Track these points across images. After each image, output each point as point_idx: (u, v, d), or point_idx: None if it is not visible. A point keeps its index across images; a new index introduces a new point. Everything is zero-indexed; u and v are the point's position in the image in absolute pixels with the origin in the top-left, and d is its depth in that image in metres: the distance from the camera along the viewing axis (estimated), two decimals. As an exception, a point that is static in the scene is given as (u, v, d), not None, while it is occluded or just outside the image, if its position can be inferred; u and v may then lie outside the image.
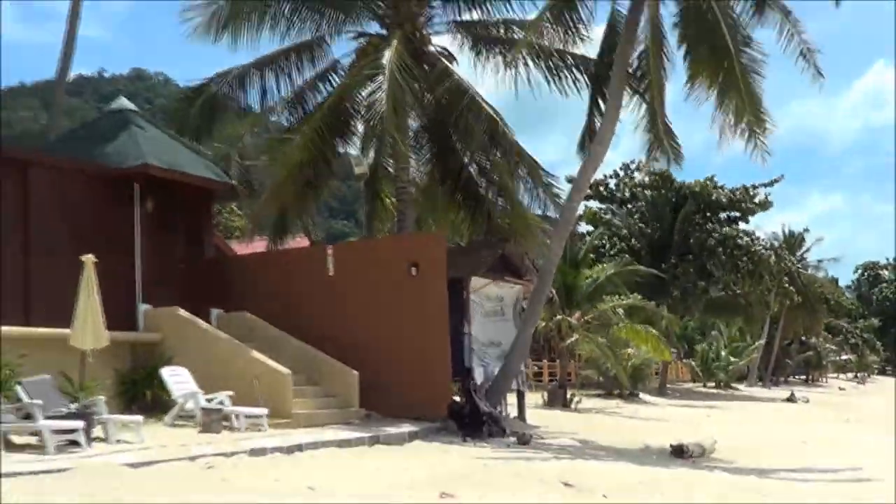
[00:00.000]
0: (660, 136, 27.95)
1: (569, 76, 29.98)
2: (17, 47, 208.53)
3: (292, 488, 14.46)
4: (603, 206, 67.46)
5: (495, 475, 16.91)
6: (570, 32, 28.60)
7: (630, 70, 27.85)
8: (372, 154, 31.65)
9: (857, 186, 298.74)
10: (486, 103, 28.65)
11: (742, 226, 65.50)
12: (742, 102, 26.78)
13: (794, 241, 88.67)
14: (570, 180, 32.71)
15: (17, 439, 17.85)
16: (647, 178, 64.93)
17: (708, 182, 63.45)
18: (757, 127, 27.10)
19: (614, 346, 44.00)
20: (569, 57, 29.81)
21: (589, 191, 57.82)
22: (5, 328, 21.68)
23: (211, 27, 28.65)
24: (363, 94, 27.74)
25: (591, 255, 48.37)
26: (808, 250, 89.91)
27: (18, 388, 18.71)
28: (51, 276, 22.97)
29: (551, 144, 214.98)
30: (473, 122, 28.55)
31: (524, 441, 23.66)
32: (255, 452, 18.30)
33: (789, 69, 27.39)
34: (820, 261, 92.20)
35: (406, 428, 23.57)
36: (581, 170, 28.75)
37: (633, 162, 65.66)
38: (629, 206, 66.81)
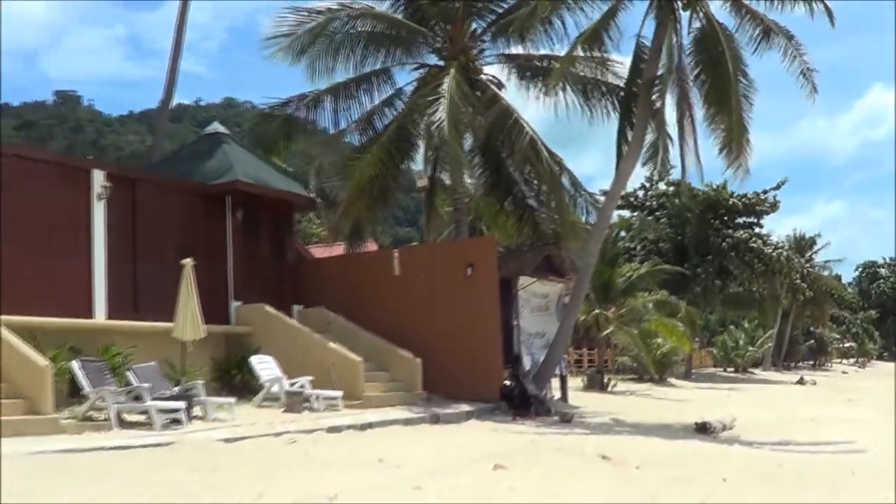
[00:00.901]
0: (660, 154, 28.06)
1: (601, 101, 29.90)
2: (126, 81, 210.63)
3: (364, 460, 14.50)
4: (634, 214, 67.04)
5: (542, 450, 16.85)
6: (600, 63, 28.83)
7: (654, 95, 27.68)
8: (430, 169, 31.66)
9: (856, 195, 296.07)
10: (529, 126, 28.63)
11: (756, 230, 65.08)
12: (730, 130, 26.90)
13: (804, 244, 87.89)
14: (603, 193, 32.69)
15: (128, 417, 18.10)
16: (670, 189, 64.51)
17: (722, 190, 62.91)
18: (737, 153, 27.13)
19: (645, 337, 43.82)
20: (601, 84, 29.75)
21: (621, 200, 57.58)
22: (119, 322, 22.06)
23: (289, 53, 28.66)
24: (425, 117, 27.74)
25: (624, 256, 48.20)
26: (816, 252, 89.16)
27: (129, 374, 19.03)
28: (156, 278, 23.14)
29: (589, 159, 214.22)
30: (519, 142, 28.53)
31: (566, 420, 23.63)
32: (331, 430, 18.46)
33: (799, 95, 27.46)
34: (826, 261, 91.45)
35: (463, 408, 23.61)
36: (613, 183, 28.78)
37: (656, 175, 65.32)
38: (656, 213, 66.39)
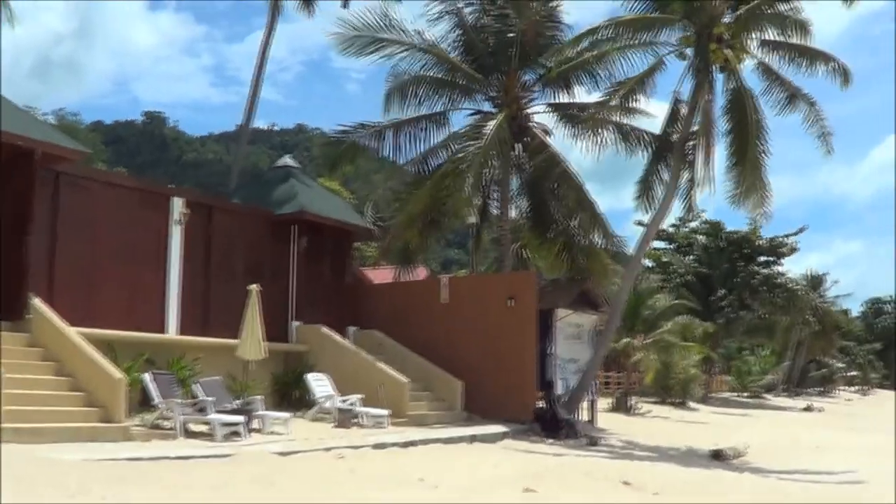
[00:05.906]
0: (692, 197, 29.01)
1: (636, 144, 29.81)
2: (209, 106, 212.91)
3: (405, 478, 14.38)
4: (663, 248, 66.80)
5: (569, 473, 16.63)
6: (635, 112, 29.04)
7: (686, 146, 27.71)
8: (480, 203, 31.46)
9: (871, 235, 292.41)
10: (573, 173, 29.04)
11: (776, 268, 64.94)
12: (752, 183, 27.15)
13: (816, 282, 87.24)
14: (638, 223, 32.86)
15: (192, 427, 18.00)
16: (702, 226, 64.72)
17: (752, 232, 62.92)
18: (757, 201, 27.69)
19: (668, 361, 43.58)
20: (635, 129, 29.79)
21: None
22: (189, 337, 22.00)
23: (350, 46, 28.88)
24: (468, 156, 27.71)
25: (652, 288, 47.80)
26: (828, 289, 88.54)
27: (196, 387, 19.01)
28: (225, 296, 23.06)
29: (627, 193, 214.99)
30: (564, 187, 28.87)
31: (593, 442, 23.48)
32: (377, 446, 18.32)
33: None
34: (836, 296, 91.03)
35: (499, 428, 23.46)
36: (647, 226, 29.25)
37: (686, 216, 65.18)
38: (685, 249, 66.24)
